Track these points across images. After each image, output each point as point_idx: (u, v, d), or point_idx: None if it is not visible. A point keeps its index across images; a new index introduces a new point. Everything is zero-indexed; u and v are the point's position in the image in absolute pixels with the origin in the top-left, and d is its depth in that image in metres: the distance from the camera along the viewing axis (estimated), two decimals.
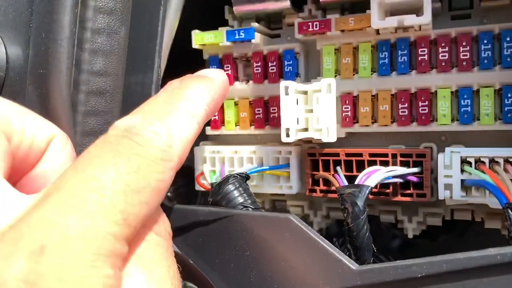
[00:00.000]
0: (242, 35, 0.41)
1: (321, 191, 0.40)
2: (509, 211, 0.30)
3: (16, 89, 0.38)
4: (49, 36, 0.34)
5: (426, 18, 0.34)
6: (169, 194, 0.54)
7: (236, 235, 0.35)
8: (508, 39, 0.34)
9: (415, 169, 0.36)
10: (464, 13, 0.37)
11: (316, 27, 0.39)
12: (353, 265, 0.31)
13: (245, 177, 0.39)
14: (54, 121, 0.34)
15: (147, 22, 0.39)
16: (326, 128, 0.36)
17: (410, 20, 0.34)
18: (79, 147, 0.36)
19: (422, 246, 0.55)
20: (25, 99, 0.36)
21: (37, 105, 0.35)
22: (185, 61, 0.46)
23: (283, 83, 0.38)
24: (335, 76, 0.40)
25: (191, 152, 0.44)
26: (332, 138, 0.37)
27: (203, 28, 0.43)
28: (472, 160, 0.35)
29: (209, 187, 0.41)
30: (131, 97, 0.39)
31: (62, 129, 0.32)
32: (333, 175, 0.38)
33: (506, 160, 0.34)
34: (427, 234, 0.46)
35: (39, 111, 0.34)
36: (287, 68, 0.41)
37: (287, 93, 0.38)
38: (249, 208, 0.37)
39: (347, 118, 0.39)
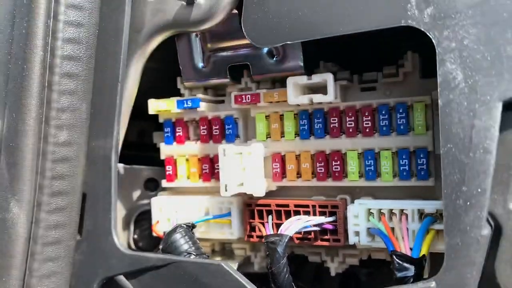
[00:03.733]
0: (189, 104, 0.48)
1: (257, 236, 0.47)
2: (394, 256, 0.37)
3: None
4: (18, 117, 0.41)
5: (330, 97, 0.41)
6: (135, 236, 0.60)
7: (180, 279, 0.42)
8: (401, 110, 0.42)
9: (330, 218, 0.43)
10: (371, 85, 0.45)
11: (248, 99, 0.46)
12: None
13: (191, 226, 0.46)
14: (19, 185, 0.41)
15: (106, 96, 0.46)
16: (256, 184, 0.43)
17: (317, 98, 0.42)
18: (46, 206, 0.42)
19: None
20: None
21: (6, 172, 0.42)
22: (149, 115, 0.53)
23: (221, 146, 0.45)
24: (267, 138, 0.47)
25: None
26: (261, 193, 0.44)
27: (161, 93, 0.51)
28: (375, 211, 0.42)
29: (162, 234, 0.48)
30: (94, 159, 0.46)
31: (25, 192, 0.39)
32: (263, 224, 0.45)
33: (401, 211, 0.41)
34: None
35: (8, 177, 0.41)
36: (227, 131, 0.48)
37: (224, 155, 0.45)
38: (192, 255, 0.43)
39: (277, 174, 0.46)
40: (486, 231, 0.32)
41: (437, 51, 0.33)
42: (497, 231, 0.33)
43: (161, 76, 0.52)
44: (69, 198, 0.44)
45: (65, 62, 0.42)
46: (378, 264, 0.47)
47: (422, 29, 0.34)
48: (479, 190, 0.32)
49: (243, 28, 0.41)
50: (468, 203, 0.32)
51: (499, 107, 0.31)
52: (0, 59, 0.44)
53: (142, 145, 0.70)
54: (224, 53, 0.48)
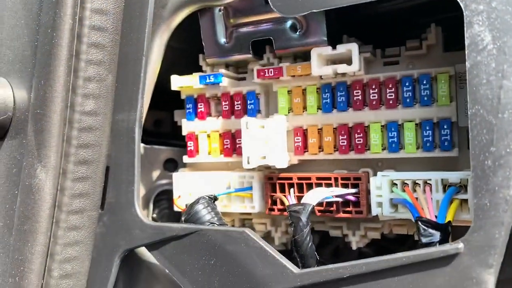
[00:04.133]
0: (212, 79, 0.49)
1: (278, 209, 0.47)
2: (419, 223, 0.37)
3: (20, 126, 0.45)
4: (46, 83, 0.42)
5: (354, 67, 0.42)
6: (154, 215, 0.61)
7: (203, 247, 0.42)
8: (424, 82, 0.42)
9: (352, 190, 0.44)
10: (393, 60, 0.45)
11: (271, 73, 0.46)
12: (295, 269, 0.38)
13: (213, 198, 0.46)
14: (46, 151, 0.42)
15: (131, 70, 0.46)
16: (278, 156, 0.44)
17: (342, 68, 0.42)
18: (71, 174, 0.43)
19: None
20: (26, 134, 0.44)
21: (33, 139, 0.42)
22: (167, 98, 0.54)
23: (244, 119, 0.45)
24: (289, 112, 0.47)
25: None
26: (284, 165, 0.44)
27: (182, 73, 0.51)
28: (398, 183, 0.42)
29: (184, 207, 0.48)
30: (118, 132, 0.47)
31: (52, 158, 0.40)
32: (285, 196, 0.45)
33: (425, 182, 0.41)
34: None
35: (35, 143, 0.42)
36: (249, 106, 0.49)
37: (247, 127, 0.45)
38: (215, 224, 0.44)
39: (299, 148, 0.47)
40: None
41: (464, 14, 0.33)
42: None
43: (182, 55, 0.53)
44: (93, 167, 0.45)
45: (93, 32, 0.43)
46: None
47: None
48: (508, 150, 0.32)
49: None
50: (497, 163, 0.32)
51: None
52: (29, 29, 0.44)
53: (159, 134, 0.71)
54: (247, 29, 0.48)
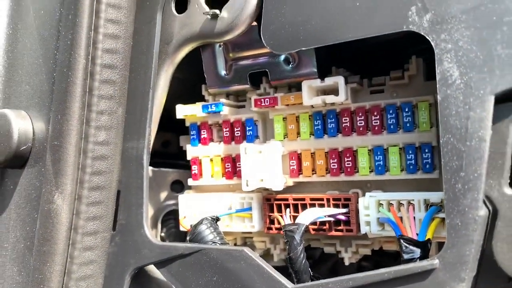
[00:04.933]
0: (213, 108, 0.53)
1: (276, 228, 0.51)
2: (401, 240, 0.40)
3: (39, 155, 0.50)
4: (63, 117, 0.46)
5: (341, 98, 0.46)
6: (162, 234, 0.65)
7: (206, 264, 0.46)
8: (406, 109, 0.46)
9: (343, 210, 0.47)
10: (379, 88, 0.49)
11: (267, 102, 0.50)
12: (289, 285, 0.42)
13: (215, 219, 0.50)
14: (63, 179, 0.46)
15: (139, 102, 0.51)
16: (275, 179, 0.48)
17: (330, 99, 0.46)
18: (86, 199, 0.47)
19: None
20: (45, 163, 0.48)
21: (51, 167, 0.47)
22: (174, 122, 0.58)
23: (242, 145, 0.49)
24: (284, 138, 0.51)
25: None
26: (280, 187, 0.48)
27: (187, 100, 0.55)
28: (384, 203, 0.45)
29: (189, 228, 0.52)
30: (128, 159, 0.51)
31: (68, 185, 0.44)
32: (281, 215, 0.49)
33: (409, 202, 0.44)
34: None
35: (52, 172, 0.46)
36: (248, 133, 0.53)
37: (245, 153, 0.49)
38: (217, 244, 0.47)
39: (294, 171, 0.50)
40: (483, 212, 0.35)
41: (435, 51, 0.37)
42: (494, 214, 0.36)
43: (187, 85, 0.57)
44: (106, 192, 0.49)
45: (104, 70, 0.47)
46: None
47: (422, 33, 0.38)
48: (475, 174, 0.35)
49: (262, 38, 0.45)
50: (466, 186, 0.35)
51: (491, 100, 0.35)
52: (46, 67, 0.49)
53: (166, 154, 0.75)
54: (245, 62, 0.52)
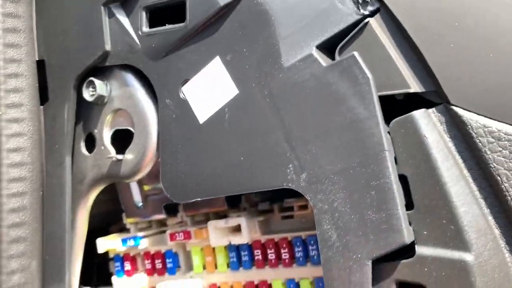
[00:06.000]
0: (132, 243, 0.53)
1: None
2: None
3: None
4: None
5: (244, 239, 0.46)
6: None
7: None
8: (312, 242, 0.46)
9: None
10: (289, 214, 0.49)
11: (181, 236, 0.50)
12: None
13: None
14: None
15: (57, 245, 0.51)
16: None
17: (235, 240, 0.46)
18: None
19: None
20: None
21: None
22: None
23: (159, 285, 0.49)
24: (204, 269, 0.51)
25: None
26: None
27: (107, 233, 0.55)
28: None
29: None
30: None
31: None
32: None
33: None
34: None
35: None
36: (169, 265, 0.53)
37: None
38: None
39: None
40: None
41: (314, 211, 0.37)
42: None
43: (108, 217, 0.57)
44: None
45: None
46: None
47: (300, 192, 0.38)
48: None
49: (162, 184, 0.46)
50: None
51: (369, 264, 0.35)
52: None
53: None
54: (159, 194, 0.53)
